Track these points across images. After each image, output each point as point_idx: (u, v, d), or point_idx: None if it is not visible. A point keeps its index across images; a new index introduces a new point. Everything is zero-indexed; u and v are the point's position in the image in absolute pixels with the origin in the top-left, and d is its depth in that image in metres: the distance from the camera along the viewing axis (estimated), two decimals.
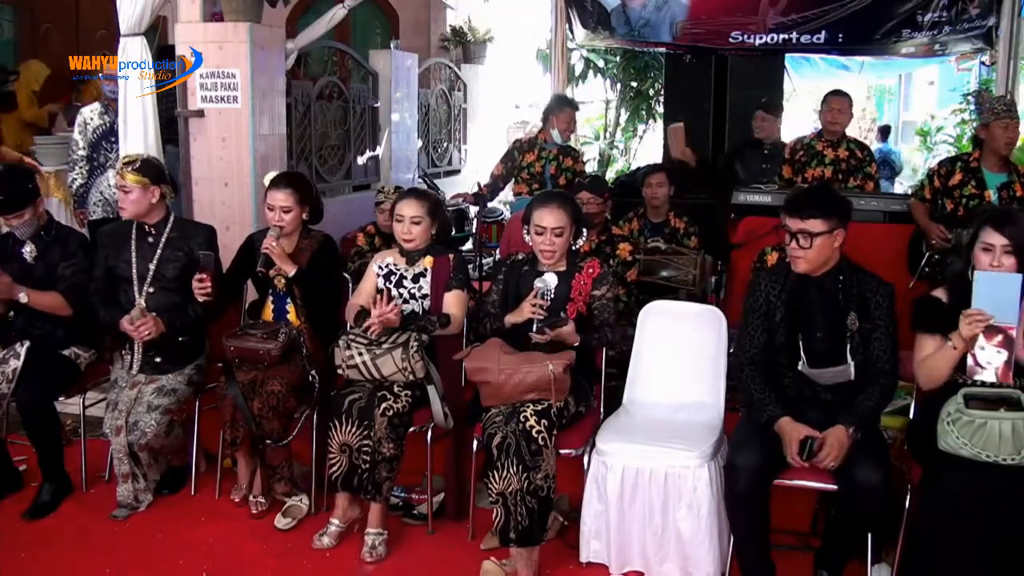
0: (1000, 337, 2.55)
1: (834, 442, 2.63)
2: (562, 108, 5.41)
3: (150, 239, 3.51)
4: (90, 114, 4.86)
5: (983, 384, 2.60)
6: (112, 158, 4.79)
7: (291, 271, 3.40)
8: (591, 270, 3.20)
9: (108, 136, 4.82)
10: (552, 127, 5.36)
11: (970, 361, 2.59)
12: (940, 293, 2.77)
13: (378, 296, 3.26)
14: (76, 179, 4.88)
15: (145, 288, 3.46)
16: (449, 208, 7.01)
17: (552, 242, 3.14)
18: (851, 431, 2.64)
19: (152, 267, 3.47)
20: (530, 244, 3.24)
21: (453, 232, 6.99)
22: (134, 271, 3.47)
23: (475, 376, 3.02)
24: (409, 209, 3.37)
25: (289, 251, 3.49)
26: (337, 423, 3.13)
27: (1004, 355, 2.56)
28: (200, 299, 3.37)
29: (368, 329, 3.18)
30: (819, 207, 2.74)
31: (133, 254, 3.48)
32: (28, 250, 3.52)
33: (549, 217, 3.14)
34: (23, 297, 3.41)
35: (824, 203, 2.76)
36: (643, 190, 4.91)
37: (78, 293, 3.51)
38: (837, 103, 5.09)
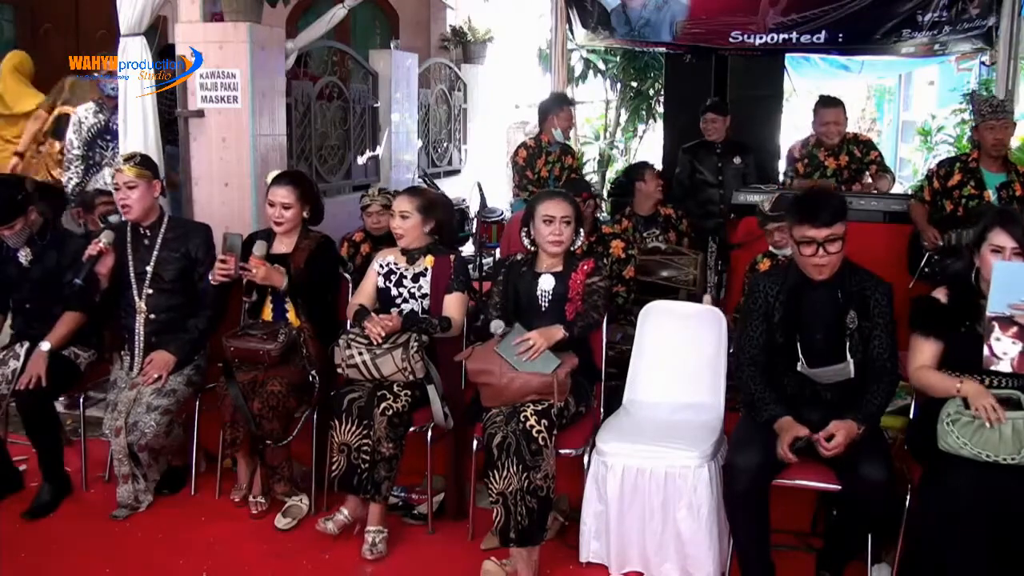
0: (1016, 328, 2.55)
1: (844, 429, 2.62)
2: (561, 107, 5.39)
3: (146, 240, 3.50)
4: (84, 113, 4.89)
5: (993, 384, 2.61)
6: (108, 156, 4.82)
7: (282, 284, 3.39)
8: (587, 267, 3.20)
9: (103, 135, 4.85)
10: (553, 127, 5.34)
11: (986, 351, 2.58)
12: (940, 294, 2.78)
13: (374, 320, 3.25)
14: (72, 179, 4.90)
15: (144, 290, 3.46)
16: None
17: (560, 230, 3.14)
18: (860, 430, 2.64)
19: (150, 269, 3.47)
20: (529, 247, 3.24)
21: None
22: (131, 273, 3.47)
23: (477, 378, 3.02)
24: (399, 205, 3.38)
25: (289, 250, 3.49)
26: (337, 422, 3.13)
27: (1019, 346, 2.55)
28: (218, 280, 3.35)
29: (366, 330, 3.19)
30: (835, 211, 2.73)
31: (129, 256, 3.48)
32: (24, 254, 3.52)
33: (557, 207, 3.15)
34: (45, 346, 3.42)
35: (837, 206, 2.76)
36: (637, 184, 4.94)
37: (85, 298, 3.51)
38: (831, 115, 4.97)
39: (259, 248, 3.39)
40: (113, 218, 4.22)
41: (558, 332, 3.03)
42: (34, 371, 3.35)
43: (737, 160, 5.57)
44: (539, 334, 3.00)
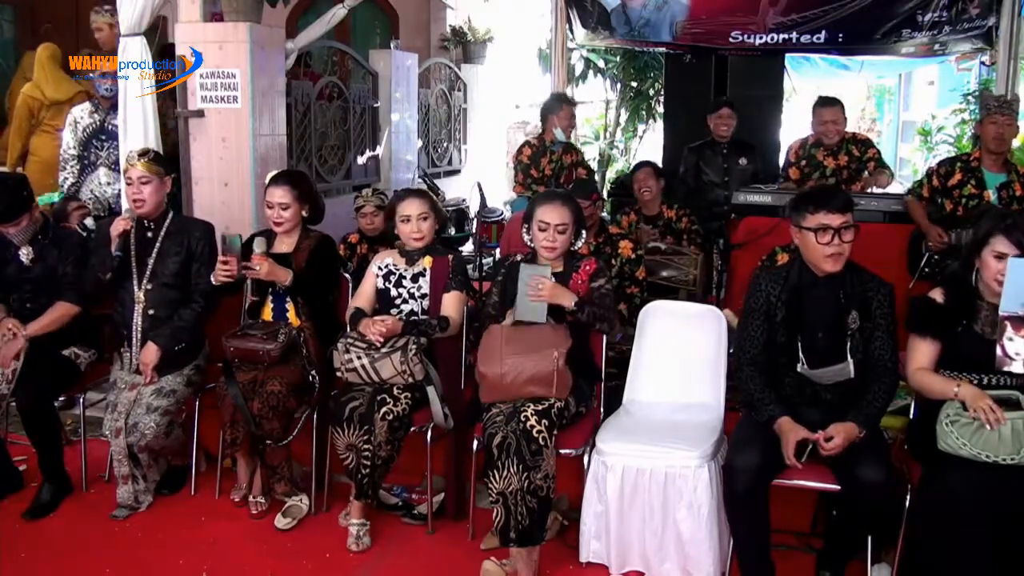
0: None
1: (843, 432, 2.62)
2: (561, 106, 5.45)
3: (149, 233, 3.51)
4: (80, 113, 4.89)
5: (991, 384, 2.60)
6: (103, 156, 4.82)
7: (287, 280, 3.38)
8: (588, 267, 3.20)
9: (98, 134, 4.85)
10: (554, 126, 5.39)
11: (999, 352, 2.56)
12: (936, 294, 2.77)
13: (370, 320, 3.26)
14: (67, 178, 4.91)
15: (144, 283, 3.46)
16: (449, 208, 7.02)
17: (555, 238, 3.14)
18: (861, 433, 2.64)
19: (151, 262, 3.47)
20: (529, 244, 3.24)
21: (452, 232, 7.02)
22: (132, 266, 3.47)
23: (479, 369, 3.04)
24: (414, 207, 3.38)
25: (290, 250, 3.49)
26: (340, 430, 3.14)
27: None
28: (220, 281, 3.34)
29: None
30: (847, 200, 2.77)
31: (132, 248, 3.48)
32: (25, 252, 3.53)
33: (553, 213, 3.14)
34: (25, 330, 3.43)
35: (846, 196, 2.80)
36: (633, 188, 4.99)
37: (81, 288, 3.52)
38: (829, 114, 4.97)
39: (259, 245, 3.39)
40: (89, 221, 4.24)
41: (569, 297, 3.05)
42: (6, 353, 3.38)
43: (743, 161, 5.57)
44: (554, 286, 3.02)
